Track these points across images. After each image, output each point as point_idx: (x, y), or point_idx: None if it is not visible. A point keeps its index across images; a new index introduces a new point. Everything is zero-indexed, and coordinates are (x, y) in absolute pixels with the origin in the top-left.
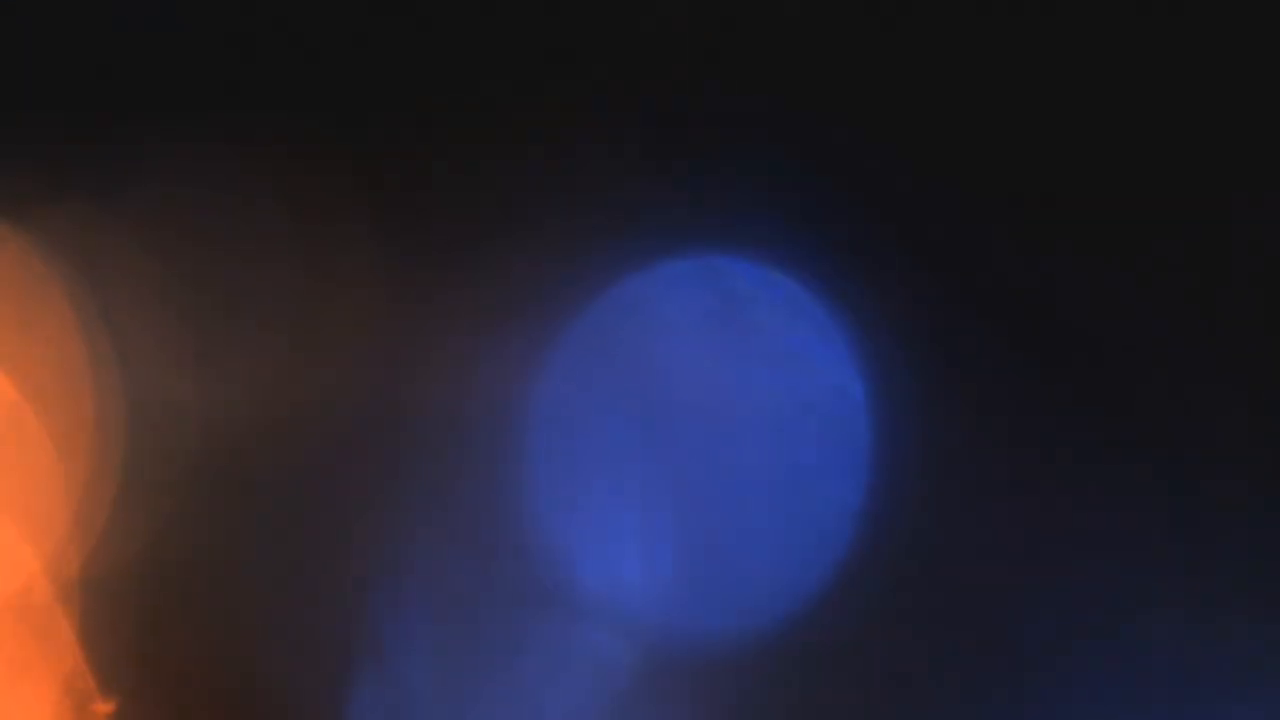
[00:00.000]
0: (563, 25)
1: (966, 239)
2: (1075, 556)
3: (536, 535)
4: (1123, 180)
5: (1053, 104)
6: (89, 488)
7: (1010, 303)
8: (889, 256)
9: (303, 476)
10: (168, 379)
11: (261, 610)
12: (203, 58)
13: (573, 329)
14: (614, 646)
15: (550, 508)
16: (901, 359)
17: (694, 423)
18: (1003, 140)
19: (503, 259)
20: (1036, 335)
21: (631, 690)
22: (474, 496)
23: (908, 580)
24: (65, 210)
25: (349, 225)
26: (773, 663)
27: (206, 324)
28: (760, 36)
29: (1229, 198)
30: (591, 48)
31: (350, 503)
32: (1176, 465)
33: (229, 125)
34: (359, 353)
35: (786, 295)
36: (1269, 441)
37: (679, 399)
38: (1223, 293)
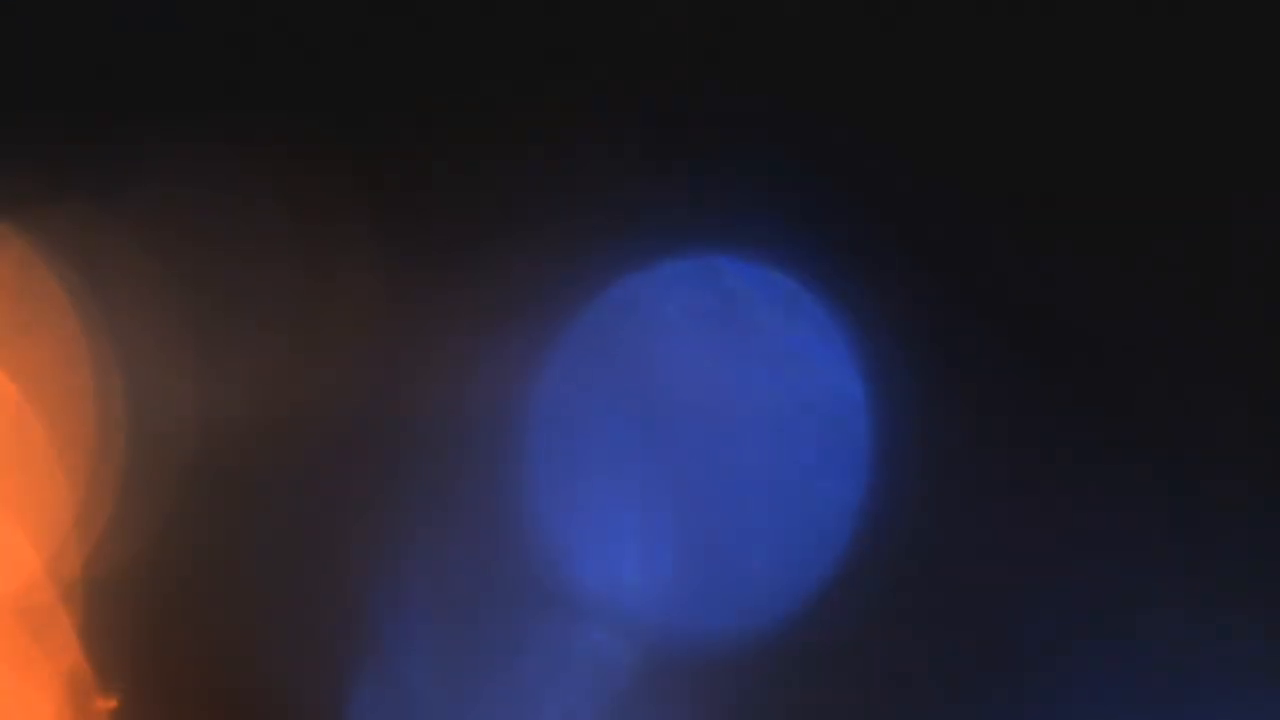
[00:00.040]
0: (563, 25)
1: (966, 239)
2: (1075, 556)
3: (536, 535)
4: (1123, 180)
5: (1053, 104)
6: (90, 487)
7: (1010, 303)
8: (889, 256)
9: (303, 476)
10: (168, 379)
11: (261, 610)
12: (203, 58)
13: (573, 329)
14: (614, 646)
15: (550, 508)
16: (901, 359)
17: (694, 423)
18: (1003, 140)
19: (503, 259)
20: (1036, 335)
21: (631, 690)
22: (474, 496)
23: (908, 580)
24: (65, 210)
25: (349, 225)
26: (773, 663)
27: (207, 324)
28: (760, 36)
29: (1229, 198)
30: (591, 48)
31: (350, 503)
32: (1176, 465)
33: (229, 125)
34: (359, 353)
35: (786, 295)
36: (1269, 441)
37: (679, 399)
38: (1223, 293)
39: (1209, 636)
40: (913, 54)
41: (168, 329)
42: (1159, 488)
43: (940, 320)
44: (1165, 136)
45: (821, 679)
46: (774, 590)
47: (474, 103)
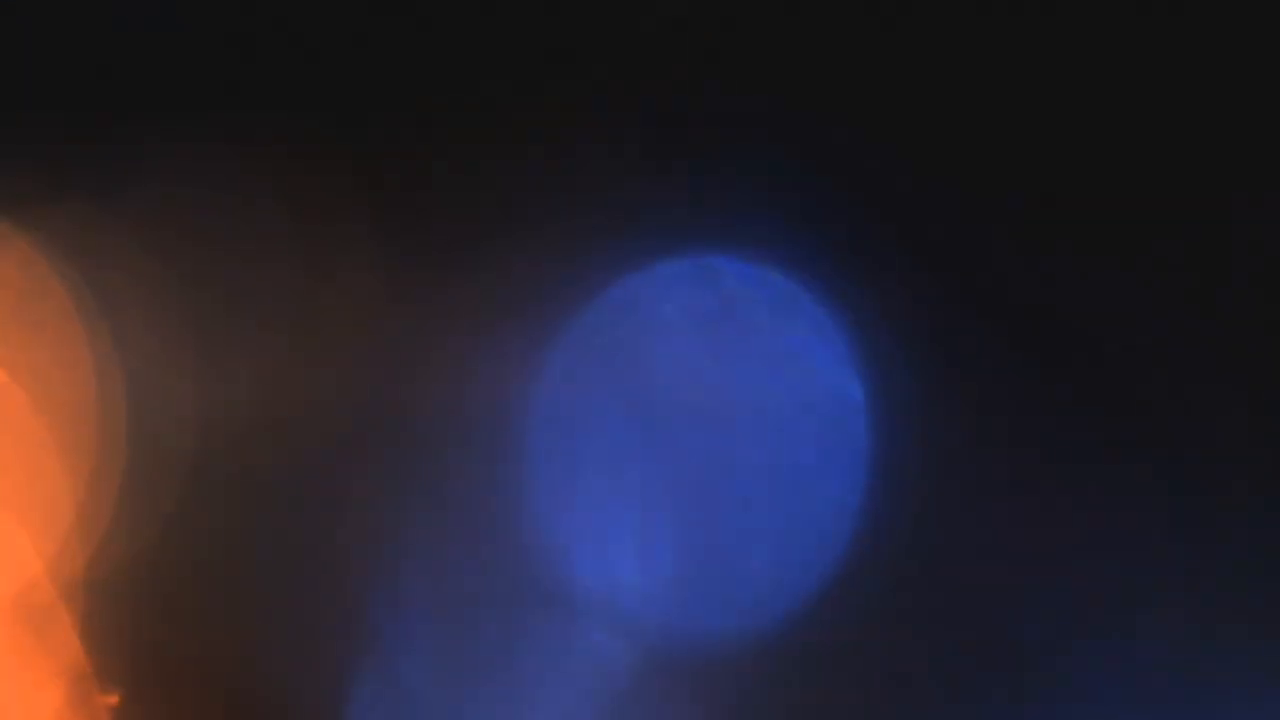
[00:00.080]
0: (563, 25)
1: (966, 239)
2: (1075, 556)
3: (536, 535)
4: (1123, 180)
5: (1053, 104)
6: (91, 487)
7: (1010, 303)
8: (889, 256)
9: (303, 476)
10: (169, 379)
11: (262, 609)
12: (203, 58)
13: (572, 329)
14: (614, 646)
15: (550, 508)
16: (901, 359)
17: (694, 423)
18: (1003, 140)
19: (503, 259)
20: (1036, 335)
21: (631, 690)
22: (474, 496)
23: (908, 580)
24: (66, 210)
25: (349, 225)
26: (773, 663)
27: (207, 324)
28: (760, 36)
29: (1229, 198)
30: (591, 48)
31: (350, 503)
32: (1176, 465)
33: (229, 125)
34: (359, 353)
35: (786, 295)
36: (1269, 441)
37: (679, 399)
38: (1223, 293)
39: (1209, 636)
40: (913, 54)
41: (169, 329)
42: (1159, 488)
43: (940, 320)
44: (1165, 136)
45: (821, 679)
46: (774, 590)
47: (474, 103)
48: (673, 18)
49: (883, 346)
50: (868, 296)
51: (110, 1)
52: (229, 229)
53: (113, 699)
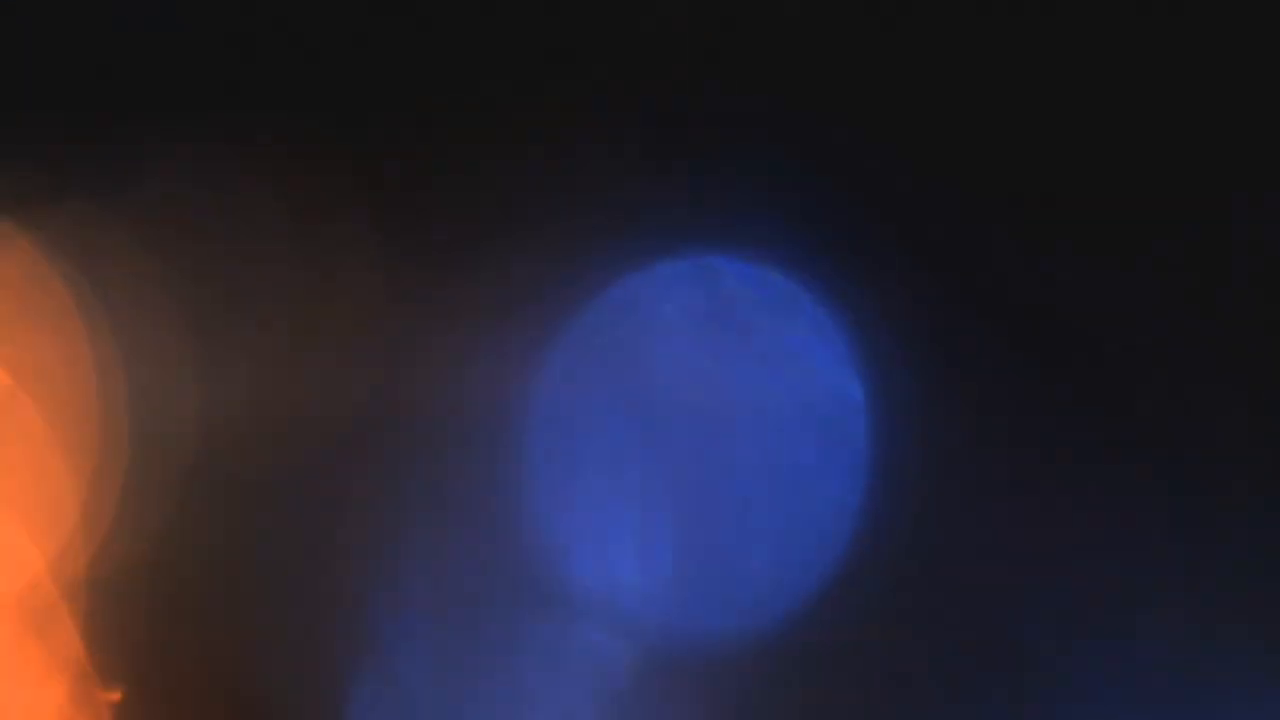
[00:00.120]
0: (563, 25)
1: (966, 239)
2: (1075, 556)
3: (536, 535)
4: (1123, 180)
5: (1053, 104)
6: (94, 486)
7: (1010, 303)
8: (889, 256)
9: (302, 476)
10: (170, 378)
11: (262, 609)
12: (203, 58)
13: (572, 329)
14: (613, 646)
15: (550, 507)
16: (901, 359)
17: (693, 423)
18: (1003, 140)
19: (503, 259)
20: (1036, 335)
21: (631, 690)
22: (473, 496)
23: (908, 580)
24: (66, 210)
25: (349, 225)
26: (773, 663)
27: (208, 324)
28: (760, 36)
29: (1229, 198)
30: (591, 48)
31: (350, 503)
32: (1176, 465)
33: (229, 125)
34: (359, 352)
35: (786, 295)
36: (1269, 441)
37: (678, 399)
38: (1223, 293)
39: (1209, 636)
40: (913, 54)
41: (169, 329)
42: (1159, 488)
43: (940, 320)
44: (1165, 136)
45: (821, 679)
46: (774, 590)
47: (474, 103)
48: (673, 18)
49: (883, 346)
50: (868, 296)
51: (110, 1)
52: (229, 229)
53: (114, 696)
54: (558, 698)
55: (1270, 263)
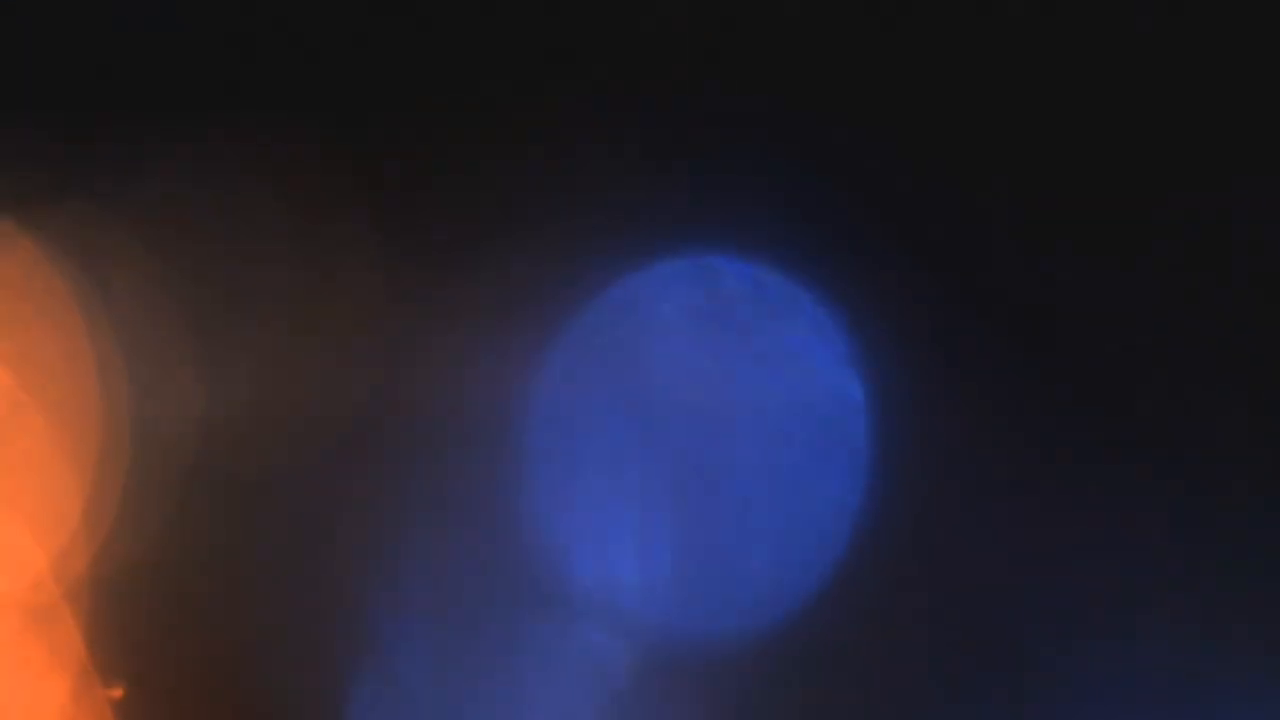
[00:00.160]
0: (563, 25)
1: (966, 239)
2: (1075, 556)
3: (536, 535)
4: (1123, 180)
5: (1053, 104)
6: (95, 486)
7: (1010, 303)
8: (889, 256)
9: (302, 476)
10: (171, 378)
11: (262, 609)
12: (203, 58)
13: (572, 329)
14: (613, 646)
15: (550, 508)
16: (901, 359)
17: (693, 423)
18: (1003, 140)
19: (503, 259)
20: (1036, 335)
21: (631, 690)
22: (473, 496)
23: (908, 580)
24: (66, 210)
25: (349, 225)
26: (772, 663)
27: (208, 324)
28: (760, 36)
29: (1229, 198)
30: (591, 48)
31: (350, 503)
32: (1176, 465)
33: (229, 125)
34: (359, 352)
35: (786, 295)
36: (1269, 441)
37: (678, 399)
38: (1223, 293)
39: (1209, 636)
40: (913, 54)
41: (170, 329)
42: (1159, 488)
43: (940, 320)
44: (1166, 136)
45: (821, 679)
46: (774, 590)
47: (474, 103)
48: (673, 18)
49: (883, 346)
50: (868, 296)
51: (110, 1)
52: (229, 229)
53: (116, 693)
54: (558, 698)
55: (1270, 263)
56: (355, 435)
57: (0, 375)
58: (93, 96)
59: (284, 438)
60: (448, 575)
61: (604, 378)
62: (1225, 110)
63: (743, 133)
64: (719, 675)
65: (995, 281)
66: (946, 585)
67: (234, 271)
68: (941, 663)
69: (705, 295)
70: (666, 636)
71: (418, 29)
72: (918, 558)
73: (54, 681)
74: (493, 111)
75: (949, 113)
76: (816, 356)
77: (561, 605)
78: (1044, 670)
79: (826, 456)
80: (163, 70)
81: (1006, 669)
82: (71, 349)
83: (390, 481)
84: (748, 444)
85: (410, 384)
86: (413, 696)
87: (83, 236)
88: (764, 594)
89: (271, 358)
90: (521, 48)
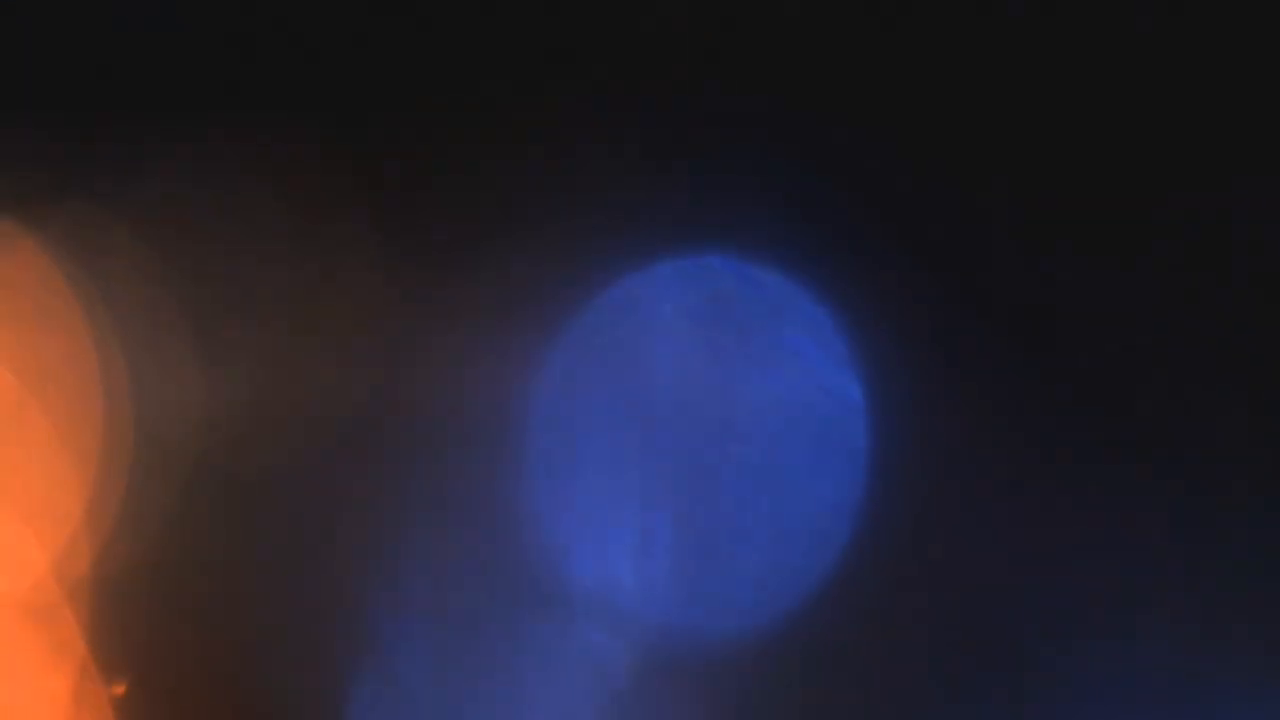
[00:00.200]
0: (563, 25)
1: (966, 239)
2: (1075, 556)
3: (536, 535)
4: (1123, 180)
5: (1053, 104)
6: (97, 486)
7: (1010, 303)
8: (889, 256)
9: (302, 476)
10: (171, 378)
11: (262, 609)
12: (203, 58)
13: (572, 329)
14: (613, 646)
15: (549, 507)
16: (900, 359)
17: (693, 423)
18: (1003, 140)
19: (503, 259)
20: (1036, 335)
21: (630, 690)
22: (473, 496)
23: (907, 580)
24: (66, 210)
25: (349, 225)
26: (772, 663)
27: (208, 324)
28: (760, 36)
29: (1229, 198)
30: (591, 48)
31: (350, 503)
32: (1176, 465)
33: (229, 125)
34: (359, 352)
35: (785, 295)
36: (1269, 441)
37: (678, 399)
38: (1223, 293)
39: (1209, 636)
40: (913, 54)
41: (170, 329)
42: (1159, 488)
43: (940, 320)
44: (1166, 136)
45: (821, 679)
46: (773, 590)
47: (474, 103)
48: (673, 18)
49: (882, 346)
50: (867, 296)
51: (110, 1)
52: (229, 229)
53: (118, 689)
54: (558, 698)
55: (1270, 263)
56: (355, 435)
57: (1, 375)
58: (93, 96)
59: (284, 438)
60: (448, 575)
61: (604, 378)
62: (1225, 110)
63: (743, 133)
64: (719, 675)
65: (995, 281)
66: (946, 585)
67: (234, 271)
68: (941, 663)
69: (705, 295)
70: (666, 636)
71: (418, 29)
72: (918, 558)
73: (55, 681)
74: (493, 111)
75: (949, 113)
76: (816, 356)
77: (561, 605)
78: (1044, 670)
79: (826, 456)
80: (163, 70)
81: (1006, 669)
82: (72, 349)
83: (390, 481)
84: (747, 444)
85: (410, 384)
86: (413, 696)
87: (83, 236)
88: (764, 594)
89: (271, 358)
90: (521, 48)
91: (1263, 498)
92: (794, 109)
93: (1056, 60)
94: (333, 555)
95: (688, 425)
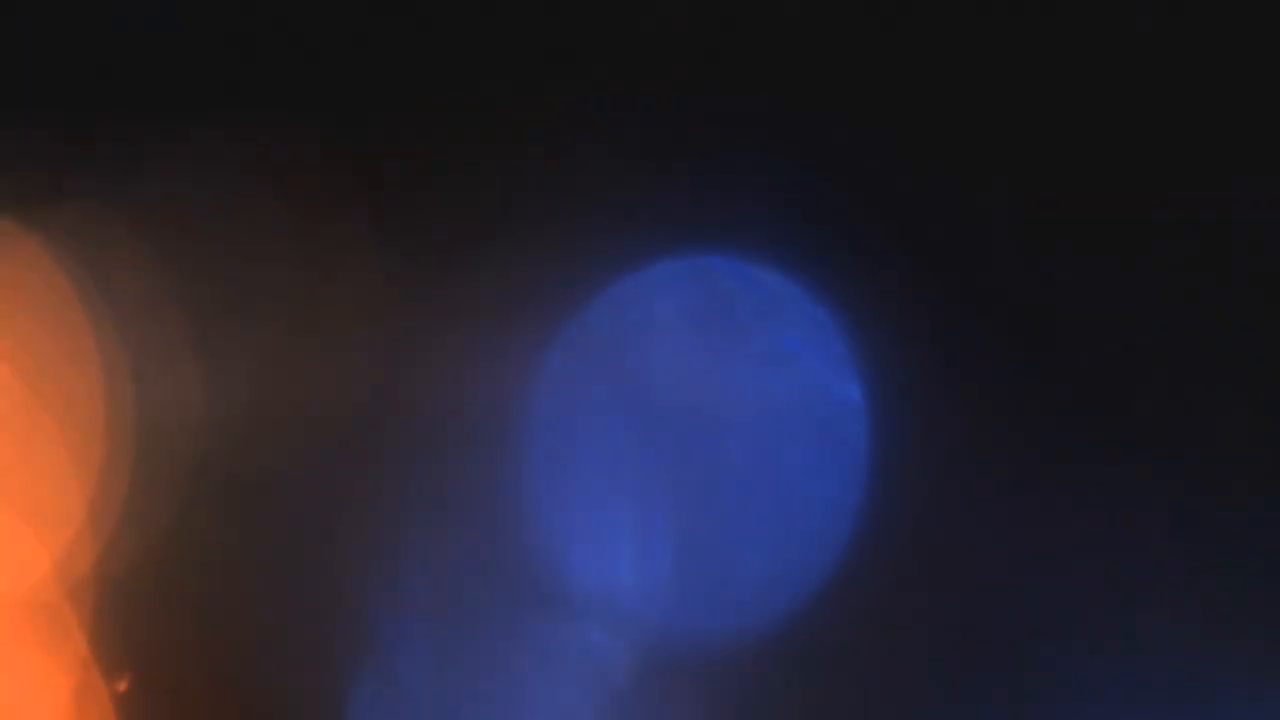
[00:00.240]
0: (563, 25)
1: (966, 239)
2: (1075, 556)
3: (535, 535)
4: (1123, 180)
5: (1053, 104)
6: (99, 485)
7: (1010, 303)
8: (889, 256)
9: (302, 476)
10: (172, 378)
11: (262, 608)
12: (203, 58)
13: (572, 329)
14: (612, 646)
15: (549, 508)
16: (901, 359)
17: (692, 423)
18: (1003, 140)
19: (503, 259)
20: (1036, 335)
21: (630, 690)
22: (473, 496)
23: (907, 580)
24: (66, 210)
25: (349, 225)
26: (772, 663)
27: (208, 324)
28: (760, 36)
29: (1229, 198)
30: (591, 48)
31: (350, 503)
32: (1176, 465)
33: (229, 125)
34: (359, 352)
35: (785, 295)
36: (1269, 441)
37: (678, 399)
38: (1223, 293)
39: (1209, 636)
40: (913, 54)
41: (170, 329)
42: (1159, 488)
43: (940, 320)
44: (1166, 136)
45: (821, 679)
46: (773, 590)
47: (474, 103)
48: (673, 18)
49: (882, 347)
50: (867, 296)
51: (110, 1)
52: (229, 229)
53: (120, 688)
54: (558, 698)
55: (1270, 263)
56: (355, 435)
57: (1, 375)
58: (93, 96)
59: (284, 438)
60: (448, 575)
61: (604, 378)
62: (1225, 110)
63: (743, 133)
64: (719, 675)
65: (995, 281)
66: (946, 585)
67: (234, 271)
68: (941, 663)
69: (705, 295)
70: (666, 636)
71: (418, 29)
72: (918, 558)
73: (57, 680)
74: (493, 111)
75: (949, 113)
76: (816, 356)
77: (561, 605)
78: (1044, 670)
79: (826, 456)
80: (163, 70)
81: (1006, 669)
82: (72, 348)
83: (390, 481)
84: (747, 444)
85: (410, 384)
86: (413, 696)
87: (83, 236)
88: (764, 594)
89: (271, 358)
90: (521, 48)
91: (1263, 498)
92: (794, 109)
93: (1056, 60)
94: (333, 555)
95: (687, 425)
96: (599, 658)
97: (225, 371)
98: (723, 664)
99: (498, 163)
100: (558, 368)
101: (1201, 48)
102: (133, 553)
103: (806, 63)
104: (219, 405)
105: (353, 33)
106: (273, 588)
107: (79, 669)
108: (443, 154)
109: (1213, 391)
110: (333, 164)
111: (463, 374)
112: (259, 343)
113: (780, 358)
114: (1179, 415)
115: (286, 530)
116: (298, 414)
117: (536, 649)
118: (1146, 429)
